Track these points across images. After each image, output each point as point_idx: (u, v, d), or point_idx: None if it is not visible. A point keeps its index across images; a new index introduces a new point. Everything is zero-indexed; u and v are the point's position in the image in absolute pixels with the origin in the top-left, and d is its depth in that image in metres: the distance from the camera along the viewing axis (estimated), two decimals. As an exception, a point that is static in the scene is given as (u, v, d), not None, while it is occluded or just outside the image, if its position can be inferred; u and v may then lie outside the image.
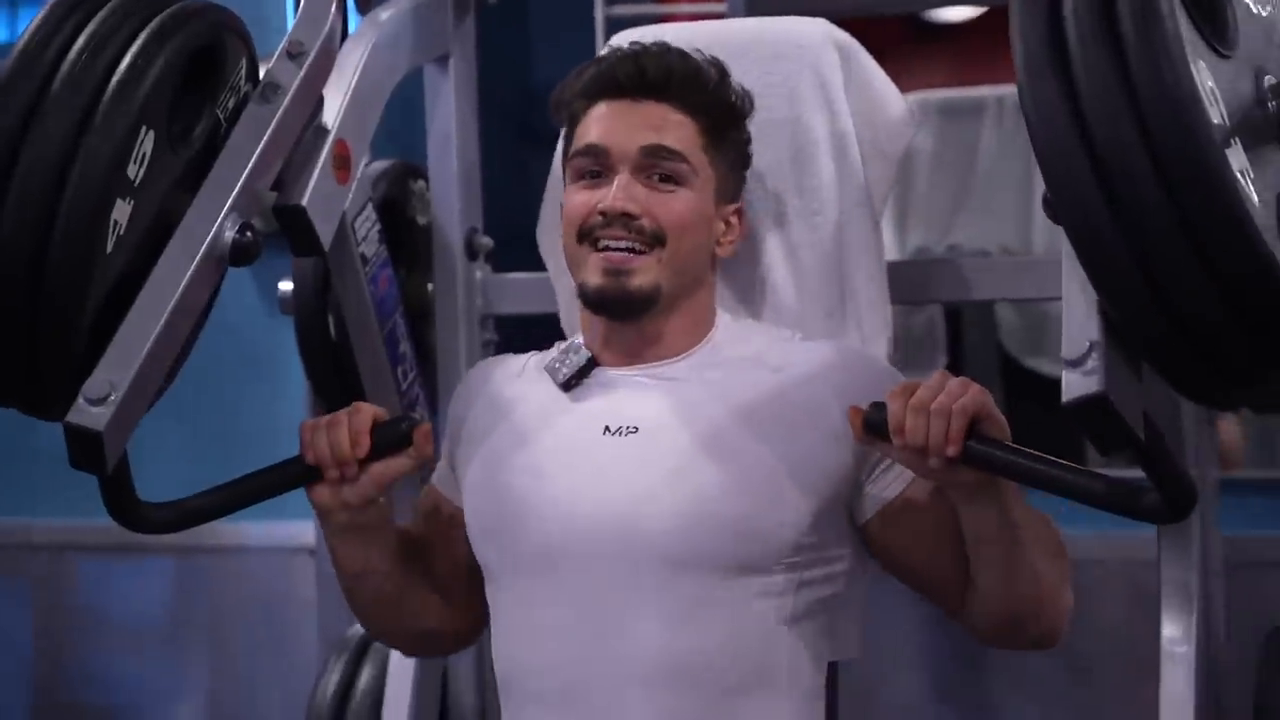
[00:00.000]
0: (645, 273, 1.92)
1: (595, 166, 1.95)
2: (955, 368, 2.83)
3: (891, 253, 3.57)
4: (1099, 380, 1.61)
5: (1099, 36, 1.59)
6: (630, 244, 1.92)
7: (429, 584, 2.06)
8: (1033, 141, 1.62)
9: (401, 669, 2.58)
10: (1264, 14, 1.78)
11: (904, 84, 3.79)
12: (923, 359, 3.44)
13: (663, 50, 1.99)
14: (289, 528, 3.44)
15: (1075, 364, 1.62)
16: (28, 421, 1.86)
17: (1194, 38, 1.63)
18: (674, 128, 1.95)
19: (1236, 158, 1.59)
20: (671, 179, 1.94)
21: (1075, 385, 1.62)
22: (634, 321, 1.95)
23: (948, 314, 3.62)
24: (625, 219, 1.91)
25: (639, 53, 1.99)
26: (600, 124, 1.96)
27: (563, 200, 2.01)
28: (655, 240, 1.92)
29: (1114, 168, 1.57)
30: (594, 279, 1.93)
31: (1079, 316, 1.65)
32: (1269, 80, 1.70)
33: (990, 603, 1.88)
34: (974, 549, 1.85)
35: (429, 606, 2.06)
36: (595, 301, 1.94)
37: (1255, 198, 1.59)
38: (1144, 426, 1.67)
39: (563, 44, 2.04)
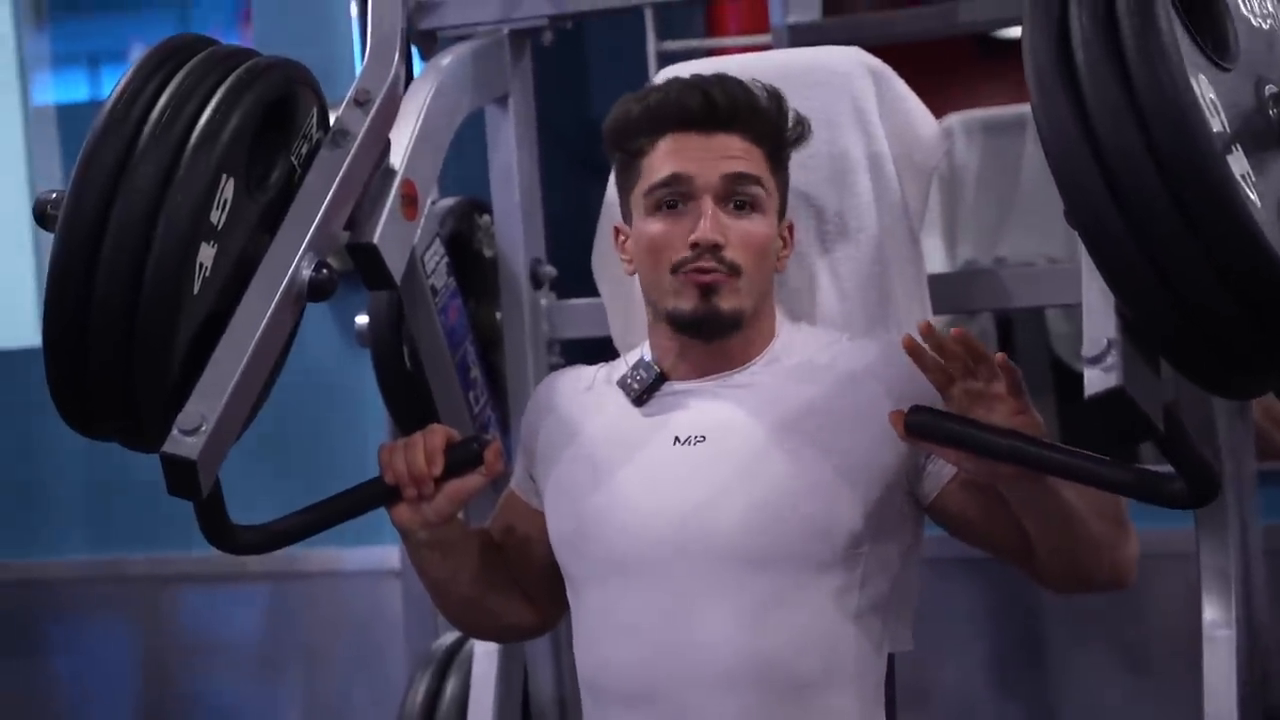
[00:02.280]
0: (731, 297, 1.99)
1: (675, 197, 2.00)
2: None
3: (941, 266, 3.63)
4: (1118, 375, 1.68)
5: (1105, 54, 1.68)
6: (717, 269, 1.98)
7: (510, 582, 2.15)
8: (1046, 154, 1.71)
9: (485, 677, 2.64)
10: (1265, 27, 1.85)
11: (971, 101, 3.85)
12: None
13: (723, 79, 2.03)
14: (377, 552, 3.50)
15: (1095, 361, 1.70)
16: (126, 461, 1.92)
17: (1194, 53, 1.71)
18: (746, 156, 2.01)
19: (1238, 163, 1.67)
20: (748, 204, 2.00)
21: (1096, 381, 1.69)
22: (716, 341, 2.03)
23: (999, 322, 3.67)
24: (714, 248, 1.98)
25: (702, 84, 2.02)
26: (678, 156, 2.00)
27: (632, 230, 2.05)
28: (734, 269, 1.98)
29: (1122, 176, 1.66)
30: (687, 304, 1.99)
31: (1098, 316, 1.72)
32: (1270, 89, 1.78)
33: (1051, 565, 1.95)
34: (1027, 524, 1.92)
35: (511, 603, 2.15)
36: (689, 324, 2.00)
37: (1258, 200, 1.67)
38: (1164, 418, 1.74)
39: (616, 78, 2.11)
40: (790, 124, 2.07)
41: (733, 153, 2.00)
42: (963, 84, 4.00)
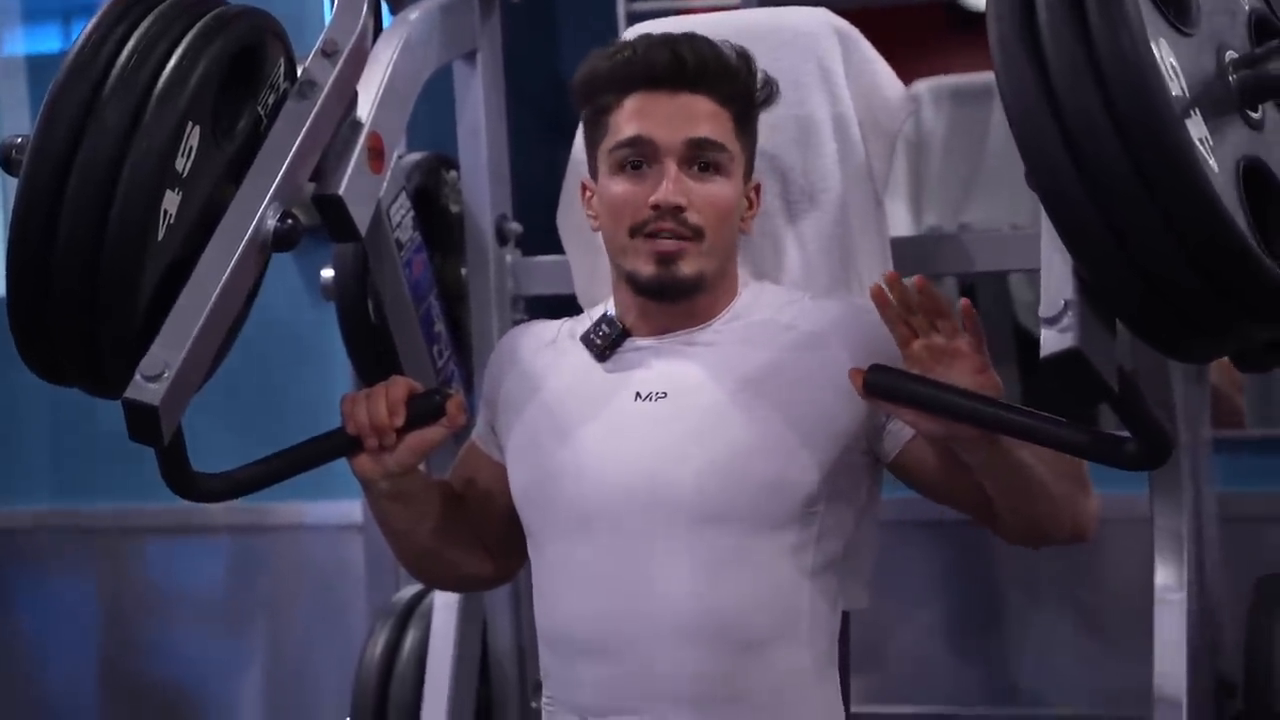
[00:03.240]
0: (692, 261, 1.99)
1: (639, 158, 2.00)
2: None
3: (906, 231, 3.62)
4: (1074, 336, 1.69)
5: (1067, 16, 1.68)
6: (678, 233, 1.98)
7: (470, 533, 2.16)
8: (1007, 114, 1.72)
9: (445, 629, 2.65)
10: (1229, -5, 1.88)
11: (940, 71, 3.85)
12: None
13: (692, 38, 2.02)
14: (340, 506, 3.50)
15: (1052, 321, 1.71)
16: (90, 411, 1.91)
17: (1155, 18, 1.71)
18: (712, 118, 2.00)
19: (1196, 127, 1.68)
20: (712, 167, 2.00)
21: (1051, 341, 1.70)
22: (679, 302, 2.03)
23: (962, 290, 3.64)
24: (675, 210, 1.98)
25: (671, 42, 2.01)
26: (642, 117, 2.00)
27: (597, 188, 2.05)
28: (697, 233, 1.99)
29: (1081, 138, 1.67)
30: (647, 268, 2.00)
31: (1055, 277, 1.73)
32: (1230, 56, 1.79)
33: (1011, 521, 1.97)
34: (986, 483, 1.93)
35: (470, 554, 2.17)
36: (648, 288, 2.01)
37: (1215, 165, 1.68)
38: (1119, 380, 1.76)
39: (585, 37, 2.10)
40: (759, 85, 2.07)
41: (699, 115, 2.00)
42: (931, 55, 3.98)
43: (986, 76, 3.67)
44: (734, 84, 2.03)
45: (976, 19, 4.25)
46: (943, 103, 3.63)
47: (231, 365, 2.07)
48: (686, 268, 1.99)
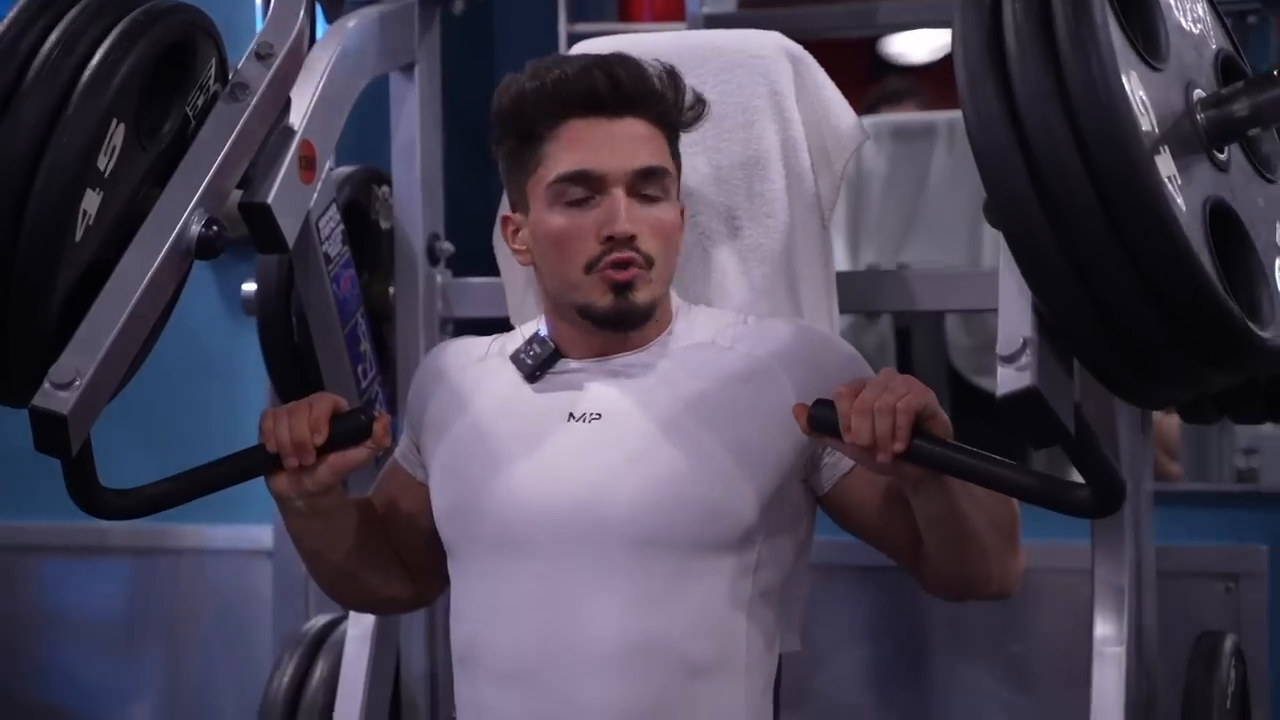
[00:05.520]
0: (645, 289, 1.95)
1: (587, 192, 1.95)
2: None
3: (844, 268, 3.61)
4: (1031, 375, 1.65)
5: (1036, 45, 1.64)
6: (633, 261, 1.94)
7: (390, 554, 2.10)
8: (971, 144, 1.68)
9: (356, 659, 2.59)
10: (1195, 30, 1.84)
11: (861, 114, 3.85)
12: (873, 376, 3.47)
13: (623, 60, 1.97)
14: (248, 531, 3.44)
15: (1009, 360, 1.67)
16: None
17: (1126, 49, 1.68)
18: (652, 141, 1.96)
19: (1165, 164, 1.65)
20: (657, 192, 1.96)
21: (1009, 380, 1.66)
22: (625, 331, 1.98)
23: (898, 332, 3.65)
24: (629, 240, 1.93)
25: (603, 64, 1.96)
26: (585, 147, 1.94)
27: (531, 221, 1.99)
28: (649, 260, 1.94)
29: (1048, 170, 1.63)
30: (604, 299, 1.94)
31: (1014, 314, 1.70)
32: (1198, 93, 1.76)
33: (942, 569, 1.93)
34: (924, 528, 1.90)
35: (389, 575, 2.11)
36: (607, 320, 1.96)
37: (1182, 204, 1.64)
38: (1075, 423, 1.72)
39: (526, 56, 2.06)
40: (692, 103, 2.02)
41: (639, 140, 1.95)
42: (852, 99, 4.03)
43: (928, 115, 3.71)
44: (665, 104, 1.99)
45: (902, 72, 4.30)
46: (883, 140, 3.62)
47: (141, 380, 2.02)
48: (641, 296, 1.95)
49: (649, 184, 1.95)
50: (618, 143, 1.95)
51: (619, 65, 1.96)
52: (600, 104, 1.95)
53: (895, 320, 3.58)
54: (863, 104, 4.09)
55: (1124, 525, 2.29)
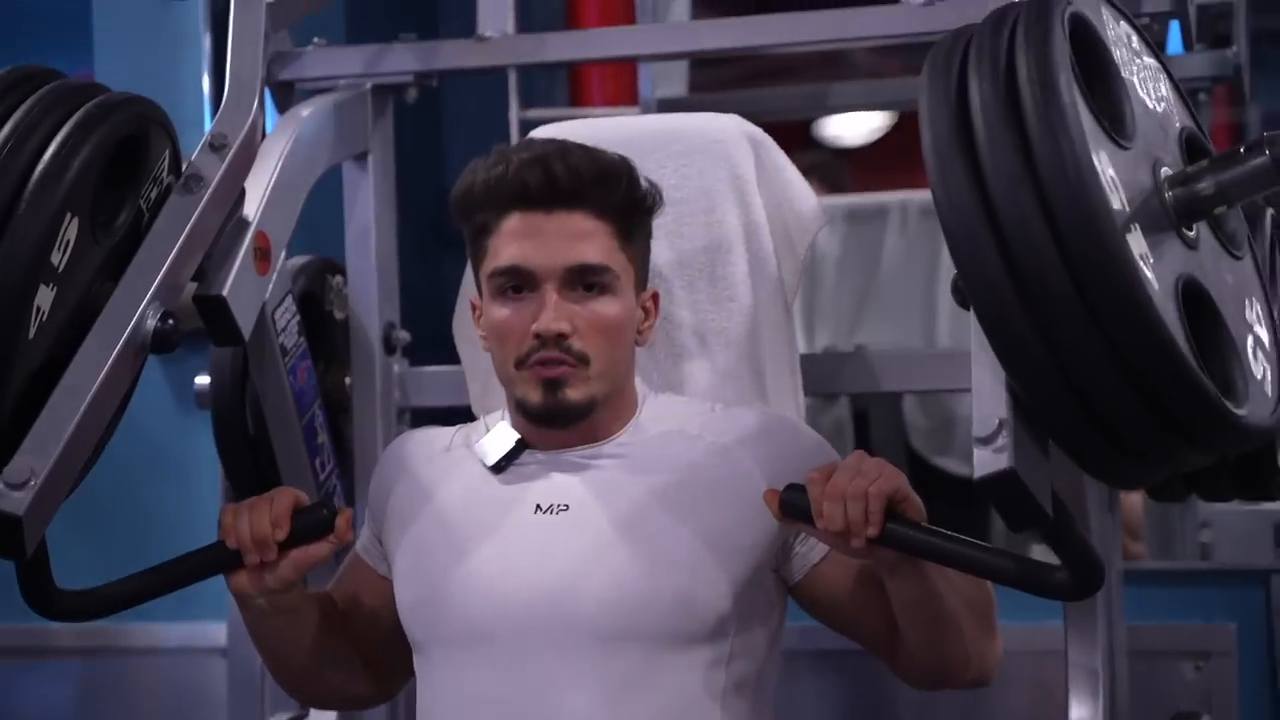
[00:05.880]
0: (578, 387, 1.92)
1: (518, 283, 1.94)
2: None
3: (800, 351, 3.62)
4: (1008, 457, 1.64)
5: (1004, 125, 1.64)
6: (563, 359, 1.92)
7: (351, 649, 2.06)
8: (942, 224, 1.67)
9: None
10: (1159, 109, 1.84)
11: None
12: (832, 458, 3.46)
13: (565, 151, 1.95)
14: (201, 629, 3.37)
15: (985, 441, 1.66)
16: None
17: (1094, 128, 1.68)
18: (591, 237, 1.94)
19: (1137, 243, 1.64)
20: (597, 287, 1.94)
21: (986, 462, 1.65)
22: (570, 427, 1.96)
23: (856, 414, 3.64)
24: (558, 338, 1.91)
25: (544, 158, 1.94)
26: (518, 242, 1.93)
27: (482, 309, 1.99)
28: (581, 359, 1.92)
29: (1021, 253, 1.62)
30: (534, 396, 1.93)
31: (988, 395, 1.69)
32: (1165, 171, 1.76)
33: (918, 656, 1.91)
34: (899, 612, 1.87)
35: (352, 671, 2.07)
36: (537, 416, 1.94)
37: (1155, 281, 1.64)
38: (1053, 504, 1.70)
39: (477, 144, 2.05)
40: (640, 192, 1.99)
41: (577, 233, 1.93)
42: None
43: (881, 196, 3.71)
44: (613, 194, 1.96)
45: (820, 149, 4.33)
46: (836, 222, 3.62)
47: (90, 478, 1.97)
48: (574, 394, 1.93)
49: (586, 280, 1.93)
50: (553, 238, 1.93)
51: (559, 159, 1.94)
52: (535, 199, 1.93)
53: (853, 402, 3.57)
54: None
55: (1096, 606, 2.27)
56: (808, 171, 2.41)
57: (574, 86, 3.92)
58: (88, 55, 3.43)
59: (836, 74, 3.62)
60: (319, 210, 2.57)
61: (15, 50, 1.97)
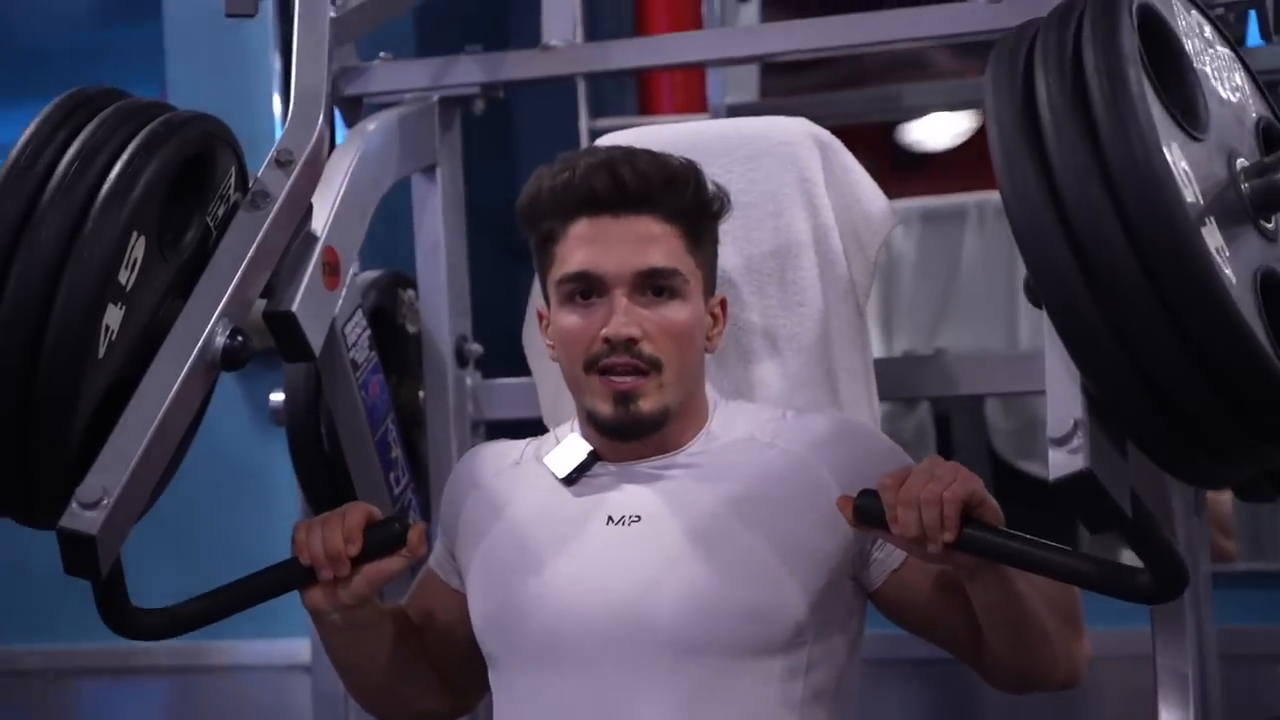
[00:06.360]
0: (650, 397, 1.91)
1: (586, 289, 1.93)
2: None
3: (879, 355, 3.59)
4: (1084, 458, 1.61)
5: (1072, 119, 1.61)
6: (634, 366, 1.90)
7: (426, 665, 2.06)
8: (1010, 222, 1.64)
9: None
10: (1234, 99, 1.80)
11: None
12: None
13: (633, 157, 1.94)
14: (285, 645, 3.40)
15: (1060, 442, 1.63)
16: (21, 545, 1.84)
17: (1165, 120, 1.65)
18: (660, 241, 1.92)
19: (1212, 236, 1.61)
20: (666, 292, 1.92)
21: (1061, 464, 1.62)
22: (642, 440, 1.95)
23: (937, 418, 3.62)
24: (628, 343, 1.90)
25: (611, 163, 1.93)
26: (586, 247, 1.92)
27: (550, 317, 1.98)
28: (654, 365, 1.91)
29: (1091, 247, 1.59)
30: (604, 408, 1.92)
31: (1063, 396, 1.66)
32: (1240, 162, 1.72)
33: (1003, 659, 1.88)
34: (981, 616, 1.85)
35: (427, 688, 2.06)
36: (608, 429, 1.93)
37: (1232, 276, 1.60)
38: (1131, 504, 1.67)
39: (548, 154, 2.04)
40: (709, 196, 1.98)
41: (646, 237, 1.92)
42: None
43: (958, 198, 3.68)
44: (681, 198, 1.94)
45: (920, 161, 4.30)
46: (912, 224, 3.59)
47: (171, 496, 1.99)
48: (647, 404, 1.91)
49: (655, 284, 1.92)
50: (621, 243, 1.92)
51: (626, 164, 1.93)
52: (603, 203, 1.92)
53: (934, 406, 3.53)
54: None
55: (1184, 609, 2.22)
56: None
57: (644, 95, 3.90)
58: (161, 81, 3.47)
59: (911, 77, 3.61)
60: (391, 224, 2.57)
61: (91, 79, 1.97)
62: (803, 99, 3.49)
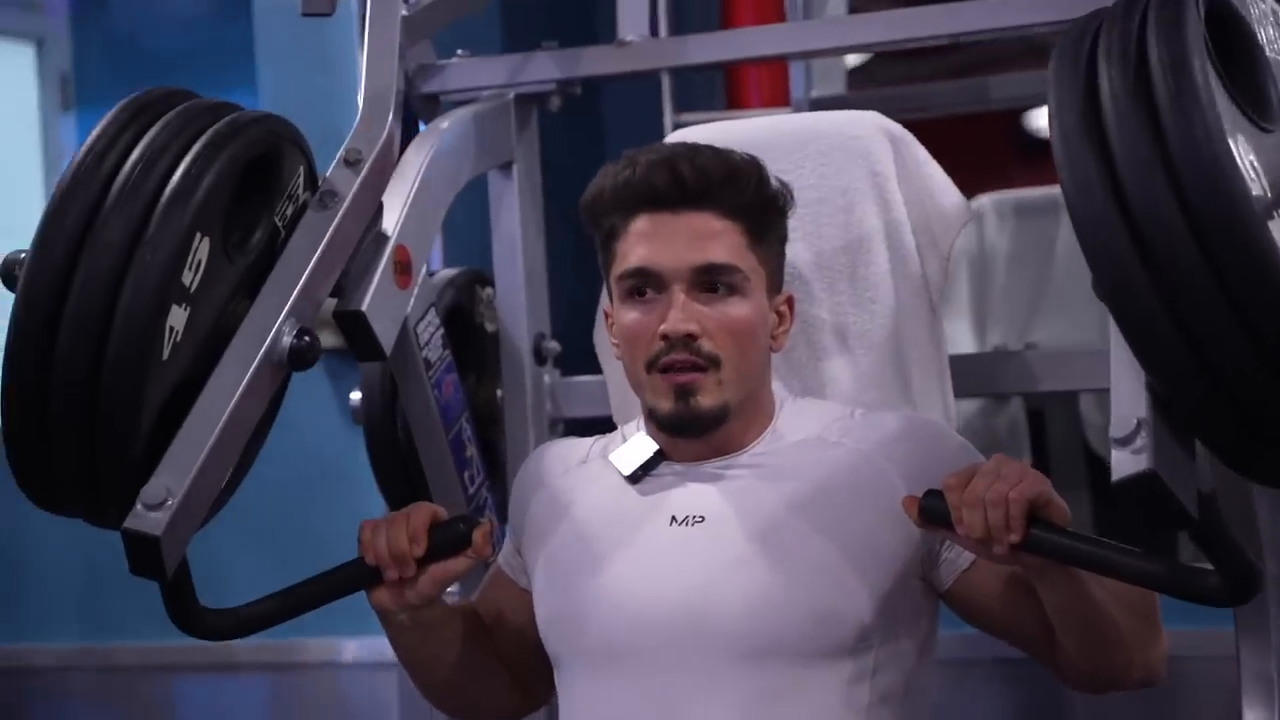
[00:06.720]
0: (710, 393, 1.90)
1: (645, 285, 1.93)
2: (1040, 467, 2.83)
3: (970, 350, 3.53)
4: (1148, 458, 1.58)
5: (1135, 110, 1.58)
6: (692, 363, 1.89)
7: (494, 662, 2.06)
8: (1071, 213, 1.61)
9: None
10: (1309, 88, 1.76)
11: (1007, 188, 3.77)
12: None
13: (694, 153, 1.94)
14: (376, 643, 3.38)
15: (1124, 442, 1.60)
16: (113, 543, 1.85)
17: (1231, 111, 1.61)
18: (720, 236, 1.91)
19: (1279, 231, 1.57)
20: (725, 288, 1.91)
21: (1124, 464, 1.59)
22: (703, 437, 1.94)
23: (1030, 414, 3.57)
24: (687, 339, 1.89)
25: (671, 160, 1.93)
26: (645, 243, 1.92)
27: (612, 314, 1.98)
28: (713, 361, 1.89)
29: (1153, 239, 1.56)
30: (664, 404, 1.91)
31: (1126, 394, 1.63)
32: (1313, 154, 1.68)
33: (1078, 659, 1.85)
34: (1053, 617, 1.82)
35: (496, 683, 2.06)
36: (668, 425, 1.92)
37: (1301, 271, 1.56)
38: (1199, 505, 1.63)
39: (630, 145, 2.04)
40: (770, 193, 1.96)
41: (705, 233, 1.91)
42: (993, 172, 3.91)
43: (1052, 189, 3.61)
44: (742, 194, 1.93)
45: (1039, 143, 4.25)
46: (1006, 217, 3.55)
47: (261, 495, 2.00)
48: (706, 400, 1.89)
49: (714, 280, 1.90)
50: (680, 238, 1.91)
51: (687, 160, 1.92)
52: (663, 200, 1.91)
53: (1026, 401, 3.48)
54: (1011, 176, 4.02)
55: (1268, 609, 2.17)
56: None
57: (730, 89, 3.89)
58: (253, 83, 3.50)
59: (1020, 66, 3.56)
60: (470, 222, 2.57)
61: (182, 83, 1.98)
62: (887, 91, 3.44)
